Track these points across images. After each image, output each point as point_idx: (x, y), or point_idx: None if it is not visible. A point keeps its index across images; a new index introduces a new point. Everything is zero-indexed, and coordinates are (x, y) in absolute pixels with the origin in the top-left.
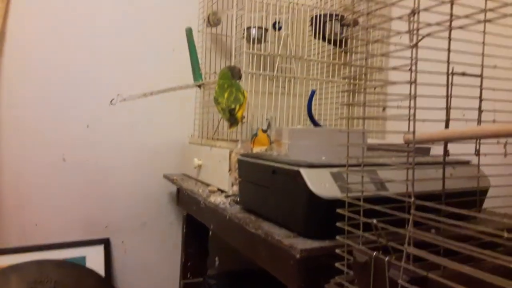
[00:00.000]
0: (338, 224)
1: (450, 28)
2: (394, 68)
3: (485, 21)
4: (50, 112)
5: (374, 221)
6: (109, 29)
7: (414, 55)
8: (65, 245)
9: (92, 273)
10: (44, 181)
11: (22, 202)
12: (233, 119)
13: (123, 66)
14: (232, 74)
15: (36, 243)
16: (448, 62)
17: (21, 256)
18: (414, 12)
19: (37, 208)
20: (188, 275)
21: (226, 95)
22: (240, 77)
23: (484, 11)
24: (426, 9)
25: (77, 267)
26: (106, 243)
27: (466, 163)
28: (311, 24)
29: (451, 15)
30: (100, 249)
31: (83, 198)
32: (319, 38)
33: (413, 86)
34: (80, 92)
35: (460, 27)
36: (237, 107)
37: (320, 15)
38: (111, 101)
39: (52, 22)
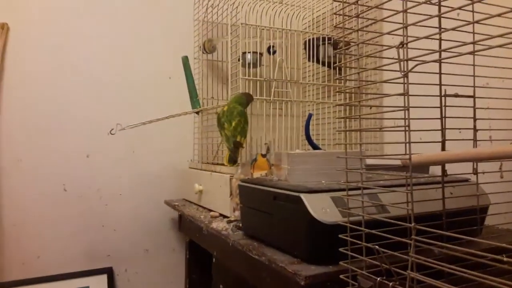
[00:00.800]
0: (341, 249)
1: (440, 59)
2: (388, 95)
3: (474, 53)
4: (49, 143)
5: (376, 246)
6: (106, 59)
7: (405, 83)
8: (68, 275)
9: None
10: (45, 212)
11: (24, 235)
12: (234, 156)
13: (121, 96)
14: (247, 101)
15: (39, 275)
16: (440, 85)
17: None
18: (403, 43)
19: (39, 240)
20: None
21: (234, 123)
22: (252, 100)
23: (473, 43)
24: (414, 40)
25: None
26: (109, 272)
27: (465, 181)
28: (305, 48)
29: (440, 44)
30: (103, 279)
31: (84, 227)
32: (313, 61)
33: (406, 111)
34: (79, 123)
35: (448, 58)
36: (242, 140)
37: (313, 39)
38: (110, 131)
39: (49, 54)
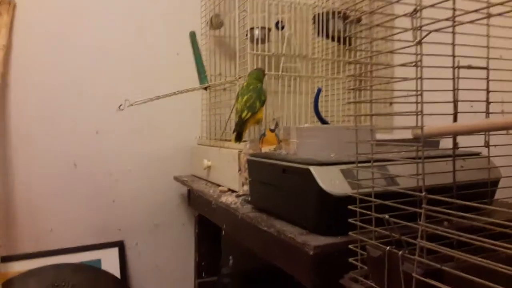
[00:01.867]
0: (350, 220)
1: (454, 24)
2: (401, 65)
3: (488, 16)
4: (59, 120)
5: (387, 216)
6: (115, 36)
7: (419, 51)
8: (81, 249)
9: (108, 275)
10: (56, 187)
11: (36, 209)
12: (239, 133)
13: (129, 72)
14: (263, 75)
15: (51, 248)
16: (454, 56)
17: (38, 261)
18: (416, 10)
19: (51, 214)
20: (203, 274)
21: (245, 98)
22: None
23: (487, 7)
24: (428, 7)
25: (93, 270)
26: (120, 245)
27: (476, 154)
28: (314, 22)
29: (454, 10)
30: (114, 252)
31: (95, 202)
32: (322, 36)
33: (419, 81)
34: (88, 99)
35: (462, 23)
36: (248, 116)
37: (322, 13)
38: (119, 107)
39: (58, 30)
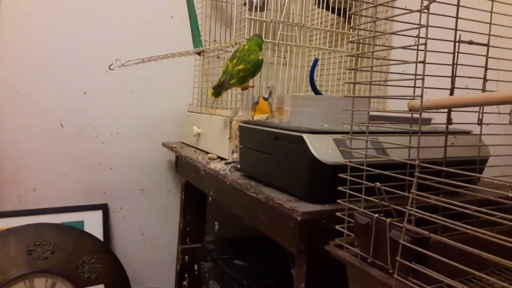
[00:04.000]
0: (340, 188)
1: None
2: (403, 34)
3: None
4: (47, 78)
5: (378, 184)
6: None
7: (423, 20)
8: (63, 209)
9: (90, 237)
10: (42, 147)
11: (20, 167)
12: (219, 92)
13: (121, 32)
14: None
15: (34, 207)
16: (456, 30)
17: (19, 219)
18: None
19: (35, 173)
20: (187, 241)
21: (241, 66)
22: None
23: None
24: None
25: (76, 231)
26: (104, 208)
27: (467, 133)
28: None
29: None
30: (98, 214)
31: (81, 164)
32: (322, 7)
33: (421, 53)
34: (78, 58)
35: None
36: (235, 84)
37: None
38: (109, 66)
39: None
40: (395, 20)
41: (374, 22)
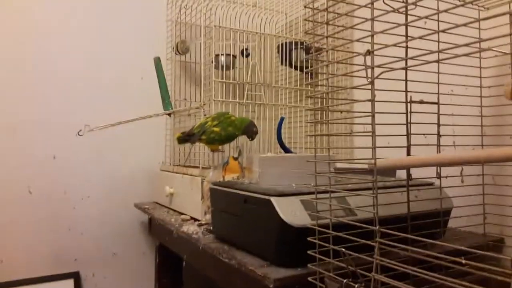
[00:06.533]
0: (309, 252)
1: (406, 66)
2: (355, 101)
3: (438, 61)
4: (15, 144)
5: (343, 249)
6: (76, 57)
7: (371, 91)
8: (34, 280)
9: None
10: (9, 215)
11: None
12: (185, 139)
13: (91, 96)
14: (245, 131)
15: (2, 280)
16: (406, 92)
17: None
18: (369, 51)
19: (2, 244)
20: None
21: (215, 122)
22: (252, 138)
23: (438, 52)
24: (381, 48)
25: None
26: (76, 276)
27: (430, 184)
28: (278, 51)
29: (407, 52)
30: (70, 283)
31: (50, 231)
32: (286, 65)
33: (372, 117)
34: (46, 123)
35: (414, 66)
36: (203, 142)
37: (286, 43)
38: (78, 132)
39: (14, 51)
40: (352, 88)
41: (328, 93)
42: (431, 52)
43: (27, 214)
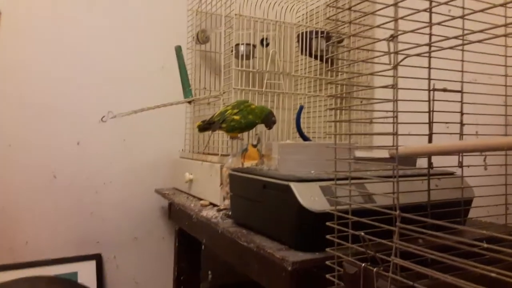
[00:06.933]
0: (328, 236)
1: (430, 51)
2: (377, 87)
3: (463, 44)
4: (40, 130)
5: (362, 233)
6: (100, 47)
7: (395, 75)
8: (57, 261)
9: None
10: (34, 199)
11: (12, 220)
12: (205, 127)
13: (113, 84)
14: (265, 120)
15: (27, 260)
16: (429, 79)
17: (12, 273)
18: (393, 35)
19: (28, 226)
20: None
21: (235, 111)
22: (270, 128)
23: (462, 36)
24: (405, 32)
25: (69, 282)
26: (97, 258)
27: (451, 174)
28: (298, 41)
29: (431, 36)
30: (92, 265)
31: (74, 214)
32: (305, 54)
33: (395, 103)
34: (71, 110)
35: (439, 49)
36: (223, 130)
37: (306, 32)
38: (101, 118)
39: (42, 41)
40: (370, 74)
41: (350, 78)
42: (456, 37)
43: (51, 198)
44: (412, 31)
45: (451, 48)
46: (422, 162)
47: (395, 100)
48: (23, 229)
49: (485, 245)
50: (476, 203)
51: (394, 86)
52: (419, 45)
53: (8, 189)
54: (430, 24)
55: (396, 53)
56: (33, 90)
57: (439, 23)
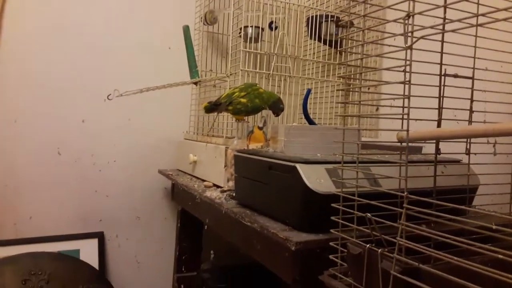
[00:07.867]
0: (333, 217)
1: (443, 31)
2: (389, 69)
3: (477, 25)
4: (46, 107)
5: (369, 215)
6: (107, 26)
7: (408, 57)
8: (59, 238)
9: (86, 265)
10: (39, 175)
11: (16, 195)
12: (212, 108)
13: (120, 63)
14: (272, 106)
15: (30, 235)
16: (441, 64)
17: (15, 248)
18: (409, 15)
19: (31, 202)
20: (182, 269)
21: (242, 93)
22: (278, 115)
23: (476, 16)
24: (420, 13)
25: (71, 259)
26: (100, 236)
27: (457, 161)
28: (307, 25)
29: (445, 18)
30: (94, 243)
31: (77, 192)
32: (314, 39)
33: (407, 86)
34: (77, 87)
35: (453, 31)
36: (229, 112)
37: (315, 16)
38: (107, 96)
39: (49, 18)
40: (383, 56)
41: (361, 59)
42: (470, 16)
43: (55, 174)
44: (428, 10)
45: (467, 26)
46: (428, 149)
47: (408, 83)
48: (27, 204)
49: (494, 227)
50: (481, 191)
51: (408, 68)
52: (434, 26)
53: (13, 164)
54: (445, 6)
55: (412, 32)
56: (39, 66)
57: (453, 3)
